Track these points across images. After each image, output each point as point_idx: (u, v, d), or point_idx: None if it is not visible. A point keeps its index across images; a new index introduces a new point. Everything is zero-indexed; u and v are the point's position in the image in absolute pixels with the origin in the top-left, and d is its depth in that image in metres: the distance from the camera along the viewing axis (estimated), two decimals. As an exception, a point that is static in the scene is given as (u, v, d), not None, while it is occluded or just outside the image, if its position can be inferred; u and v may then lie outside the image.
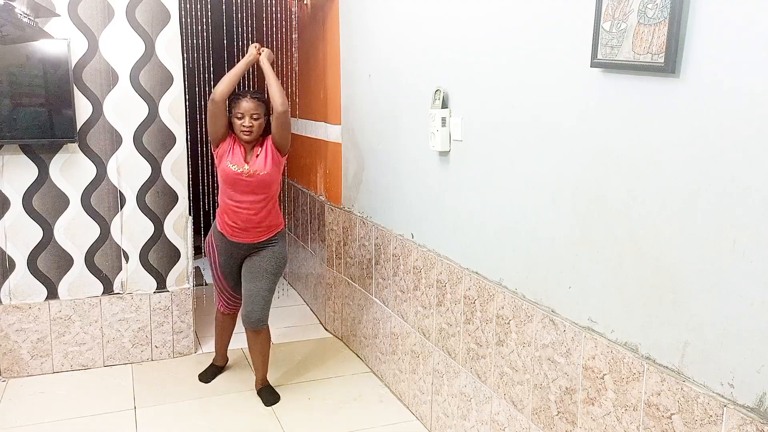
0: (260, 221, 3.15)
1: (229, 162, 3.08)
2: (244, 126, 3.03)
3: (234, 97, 3.11)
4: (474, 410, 2.65)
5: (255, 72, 4.56)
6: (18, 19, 2.46)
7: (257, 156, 3.10)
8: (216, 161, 3.17)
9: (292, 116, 4.63)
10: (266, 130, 3.17)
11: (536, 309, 2.22)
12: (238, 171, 3.07)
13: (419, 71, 2.92)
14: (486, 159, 2.47)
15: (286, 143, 3.15)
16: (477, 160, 2.53)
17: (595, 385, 1.97)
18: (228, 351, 3.69)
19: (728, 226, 1.53)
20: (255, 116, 3.05)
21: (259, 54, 3.16)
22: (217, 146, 3.12)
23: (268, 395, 3.33)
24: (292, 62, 4.50)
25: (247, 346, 3.72)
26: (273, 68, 3.17)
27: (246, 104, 3.05)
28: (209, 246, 3.34)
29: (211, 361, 3.65)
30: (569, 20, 1.99)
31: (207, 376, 3.57)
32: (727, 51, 1.51)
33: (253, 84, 4.52)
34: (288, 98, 4.61)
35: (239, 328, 3.54)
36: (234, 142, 3.12)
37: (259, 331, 3.28)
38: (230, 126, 3.13)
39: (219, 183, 3.19)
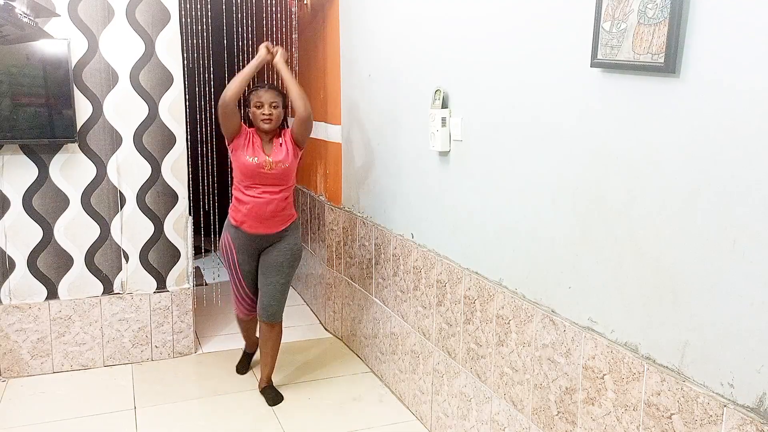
0: (277, 212, 3.14)
1: (248, 155, 3.07)
2: (264, 114, 3.05)
3: (252, 88, 3.14)
4: (474, 410, 2.65)
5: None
6: (18, 19, 2.46)
7: (279, 146, 3.12)
8: (230, 155, 3.15)
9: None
10: (282, 123, 3.20)
11: (536, 309, 2.22)
12: (259, 162, 3.06)
13: (419, 71, 2.92)
14: (486, 159, 2.47)
15: (305, 140, 3.20)
16: (477, 160, 2.53)
17: (595, 385, 1.97)
18: (229, 352, 3.69)
19: (728, 226, 1.53)
20: (274, 104, 3.08)
21: (273, 55, 3.15)
22: (231, 141, 3.12)
23: (272, 395, 3.33)
24: (292, 62, 4.50)
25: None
26: (289, 69, 3.16)
27: (265, 94, 3.07)
28: (225, 246, 3.26)
29: (242, 353, 3.67)
30: (569, 20, 1.99)
31: (243, 366, 3.62)
32: (727, 50, 1.51)
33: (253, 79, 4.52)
34: (288, 98, 4.62)
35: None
36: (251, 136, 3.12)
37: (273, 325, 3.29)
38: (244, 121, 3.13)
39: (234, 176, 3.17)
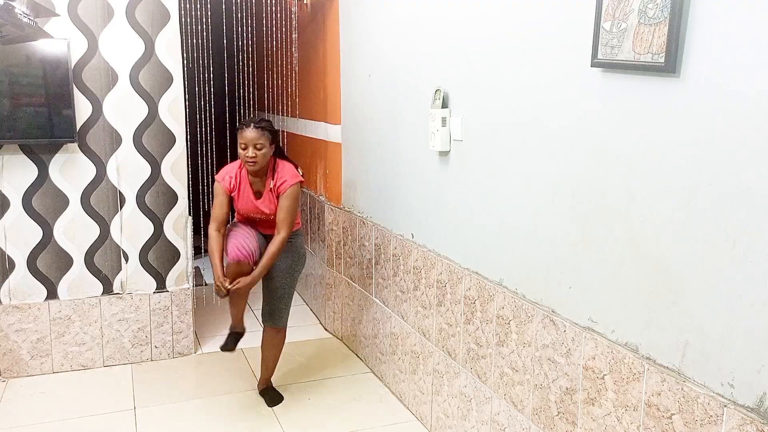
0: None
1: (241, 204, 3.12)
2: (247, 157, 2.95)
3: (238, 126, 3.07)
4: (474, 410, 2.65)
5: (254, 72, 4.56)
6: (18, 19, 2.46)
7: (269, 192, 3.06)
8: None
9: (292, 116, 4.64)
10: (278, 151, 3.15)
11: (536, 309, 2.22)
12: (249, 214, 3.14)
13: (419, 71, 2.92)
14: (486, 159, 2.47)
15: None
16: (477, 160, 2.53)
17: (595, 385, 1.97)
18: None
19: (728, 226, 1.53)
20: (258, 146, 2.94)
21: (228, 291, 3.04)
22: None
23: (272, 396, 3.33)
24: (292, 62, 4.50)
25: (247, 346, 3.72)
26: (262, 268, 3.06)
27: (249, 134, 2.94)
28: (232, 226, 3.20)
29: (228, 331, 3.35)
30: (569, 20, 1.99)
31: (228, 345, 3.25)
32: (728, 51, 1.51)
33: (253, 79, 4.52)
34: (288, 98, 4.62)
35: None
36: (239, 183, 3.08)
37: (278, 330, 3.28)
38: (234, 156, 3.11)
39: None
